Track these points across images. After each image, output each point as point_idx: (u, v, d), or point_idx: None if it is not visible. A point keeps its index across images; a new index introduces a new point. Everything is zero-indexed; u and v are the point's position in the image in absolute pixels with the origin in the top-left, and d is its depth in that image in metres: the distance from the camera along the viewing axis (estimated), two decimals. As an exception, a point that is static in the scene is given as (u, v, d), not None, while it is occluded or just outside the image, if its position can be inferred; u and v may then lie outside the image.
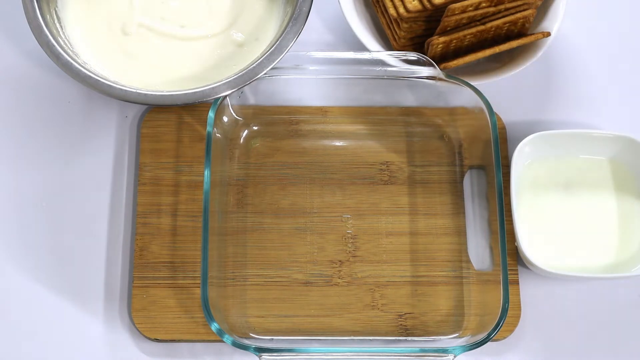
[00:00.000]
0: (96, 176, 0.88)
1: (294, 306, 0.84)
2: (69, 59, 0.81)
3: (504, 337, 0.83)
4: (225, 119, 0.87)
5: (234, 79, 0.80)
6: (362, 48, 0.88)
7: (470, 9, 0.82)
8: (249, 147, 0.89)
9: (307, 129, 0.90)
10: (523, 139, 0.84)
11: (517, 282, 0.85)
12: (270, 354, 0.76)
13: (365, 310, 0.84)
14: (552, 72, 0.94)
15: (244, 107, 0.89)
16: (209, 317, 0.76)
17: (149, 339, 0.83)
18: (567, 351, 0.84)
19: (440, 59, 0.86)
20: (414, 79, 0.85)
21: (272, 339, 0.83)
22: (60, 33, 0.84)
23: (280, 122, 0.90)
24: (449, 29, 0.84)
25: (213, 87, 0.80)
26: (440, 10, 0.82)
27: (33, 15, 0.82)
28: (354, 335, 0.83)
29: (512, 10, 0.85)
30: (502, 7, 0.84)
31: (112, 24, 0.87)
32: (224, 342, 0.77)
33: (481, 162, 0.87)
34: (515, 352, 0.84)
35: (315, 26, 0.94)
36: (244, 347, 0.76)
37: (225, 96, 0.82)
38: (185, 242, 0.85)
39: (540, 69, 0.93)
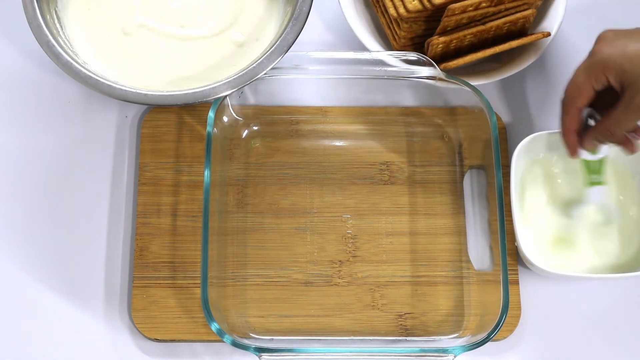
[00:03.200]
0: (96, 176, 0.88)
1: (294, 306, 0.84)
2: (69, 59, 0.81)
3: (504, 337, 0.83)
4: (225, 119, 0.87)
5: (234, 79, 0.80)
6: (362, 48, 0.88)
7: (470, 9, 0.82)
8: (249, 147, 0.89)
9: (307, 129, 0.90)
10: (523, 139, 0.84)
11: (517, 282, 0.85)
12: (270, 354, 0.76)
13: (365, 310, 0.84)
14: (552, 72, 0.94)
15: (244, 107, 0.89)
16: (209, 317, 0.76)
17: (149, 339, 0.83)
18: (567, 351, 0.84)
19: (440, 59, 0.86)
20: (414, 79, 0.85)
21: (272, 339, 0.83)
22: (60, 33, 0.84)
23: (280, 122, 0.90)
24: (449, 29, 0.84)
25: (213, 87, 0.80)
26: (440, 10, 0.82)
27: (33, 15, 0.82)
28: (354, 335, 0.83)
29: (512, 10, 0.85)
30: (502, 7, 0.84)
31: (113, 24, 0.87)
32: (224, 342, 0.77)
33: (481, 162, 0.87)
34: (515, 352, 0.84)
35: (315, 26, 0.94)
36: (244, 347, 0.76)
37: (225, 96, 0.82)
38: (185, 242, 0.85)
39: (540, 69, 0.93)
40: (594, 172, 0.83)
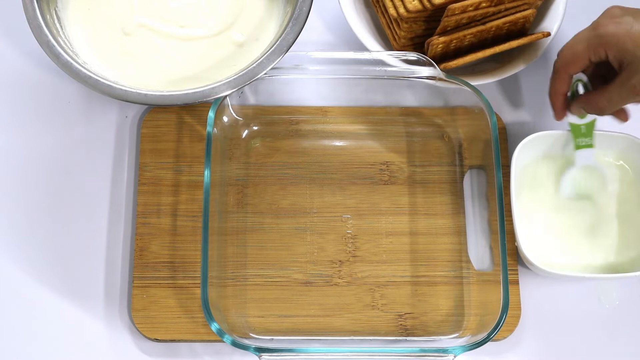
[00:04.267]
0: (96, 176, 0.88)
1: (294, 306, 0.84)
2: (69, 59, 0.81)
3: (504, 337, 0.83)
4: (225, 119, 0.87)
5: (234, 79, 0.80)
6: (362, 48, 0.88)
7: (470, 9, 0.82)
8: (249, 147, 0.89)
9: (307, 129, 0.90)
10: (523, 139, 0.84)
11: (517, 282, 0.85)
12: (270, 354, 0.76)
13: (365, 310, 0.84)
14: (552, 72, 0.94)
15: (244, 107, 0.89)
16: (209, 317, 0.76)
17: (149, 339, 0.83)
18: (567, 351, 0.84)
19: (440, 59, 0.86)
20: (414, 79, 0.85)
21: (272, 339, 0.83)
22: (60, 33, 0.84)
23: (280, 122, 0.90)
24: (449, 29, 0.84)
25: (213, 87, 0.80)
26: (440, 10, 0.82)
27: (33, 15, 0.82)
28: (354, 335, 0.83)
29: (512, 10, 0.85)
30: (502, 7, 0.84)
31: (112, 24, 0.87)
32: (224, 342, 0.77)
33: (481, 162, 0.87)
34: (515, 352, 0.84)
35: (315, 26, 0.94)
36: (244, 347, 0.76)
37: (225, 96, 0.82)
38: (185, 242, 0.85)
39: (540, 69, 0.93)
40: (582, 135, 0.84)
